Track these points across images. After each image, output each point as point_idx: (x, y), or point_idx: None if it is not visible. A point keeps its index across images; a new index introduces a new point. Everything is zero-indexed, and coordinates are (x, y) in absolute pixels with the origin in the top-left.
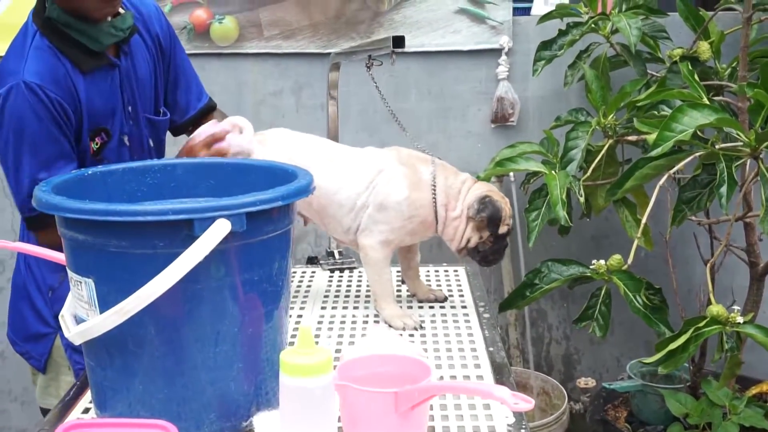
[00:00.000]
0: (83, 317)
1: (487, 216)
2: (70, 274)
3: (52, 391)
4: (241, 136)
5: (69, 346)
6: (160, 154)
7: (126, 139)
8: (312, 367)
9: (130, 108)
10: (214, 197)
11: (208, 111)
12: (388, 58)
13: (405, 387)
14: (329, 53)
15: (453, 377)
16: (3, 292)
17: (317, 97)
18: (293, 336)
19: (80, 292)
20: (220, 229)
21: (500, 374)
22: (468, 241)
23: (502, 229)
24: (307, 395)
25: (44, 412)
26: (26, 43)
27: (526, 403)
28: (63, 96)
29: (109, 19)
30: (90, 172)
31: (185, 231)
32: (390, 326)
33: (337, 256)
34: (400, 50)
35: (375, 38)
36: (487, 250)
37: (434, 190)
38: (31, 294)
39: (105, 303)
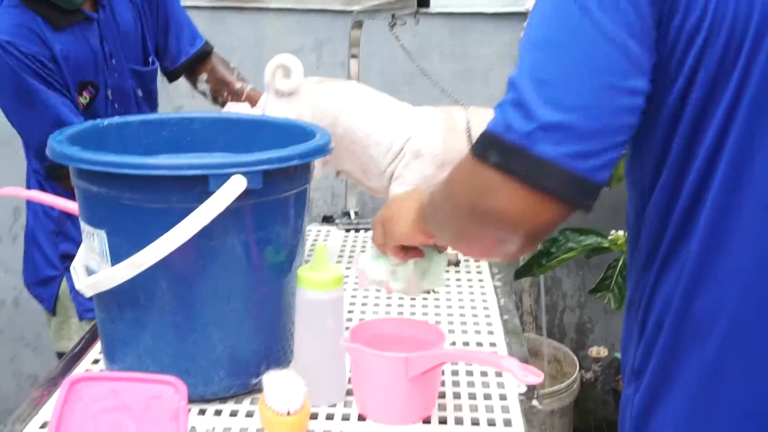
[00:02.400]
0: (94, 269)
1: None
2: (83, 225)
3: (64, 333)
4: None
5: (73, 289)
6: (152, 104)
7: (109, 92)
8: (325, 282)
9: (114, 60)
10: (231, 153)
11: (203, 56)
12: (412, 17)
13: (416, 353)
14: (352, 10)
15: (465, 343)
16: (17, 239)
17: (338, 54)
18: None
19: (92, 243)
20: (236, 185)
21: (513, 343)
22: None
23: None
24: (320, 307)
25: (59, 355)
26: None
27: (535, 376)
28: (37, 51)
29: None
30: (106, 123)
31: (200, 186)
32: None
33: (353, 216)
34: (424, 10)
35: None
36: None
37: (469, 134)
38: (38, 239)
39: (117, 256)
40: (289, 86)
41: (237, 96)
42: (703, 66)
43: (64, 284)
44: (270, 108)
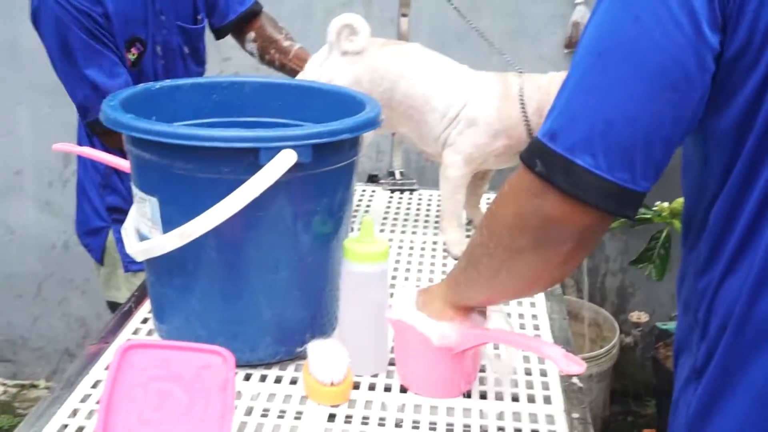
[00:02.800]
0: (146, 234)
1: None
2: (135, 190)
3: (112, 283)
4: None
5: (119, 240)
6: (198, 61)
7: (159, 48)
8: (371, 255)
9: (163, 17)
10: (281, 118)
11: (252, 15)
12: None
13: (461, 330)
14: None
15: (508, 314)
16: (68, 185)
17: (388, 9)
18: None
19: (144, 209)
20: (286, 159)
21: (555, 312)
22: None
23: None
24: (365, 279)
25: (109, 304)
26: None
27: (577, 366)
28: (89, 6)
29: None
30: (158, 86)
31: (251, 158)
32: (447, 251)
33: (398, 175)
34: None
35: None
36: None
37: (522, 102)
38: (87, 190)
39: (168, 223)
40: (354, 47)
41: (284, 54)
42: None
43: (110, 235)
44: (331, 66)
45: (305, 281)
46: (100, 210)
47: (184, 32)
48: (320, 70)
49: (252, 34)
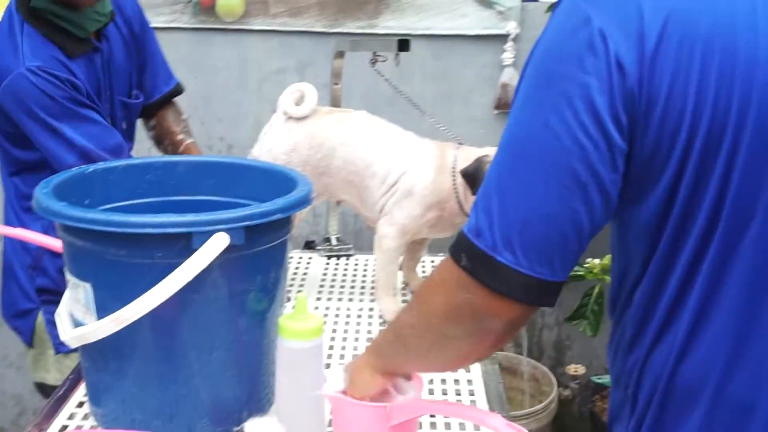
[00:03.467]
0: (80, 319)
1: (468, 171)
2: (68, 276)
3: (41, 365)
4: None
5: (50, 322)
6: (132, 136)
7: (107, 122)
8: (306, 332)
9: (109, 92)
10: (215, 196)
11: (174, 95)
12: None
13: (397, 401)
14: (334, 33)
15: (444, 392)
16: None
17: (321, 76)
18: None
19: (77, 295)
20: (219, 242)
21: (490, 377)
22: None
23: None
24: (301, 355)
25: (38, 386)
26: (15, 34)
27: None
28: (67, 77)
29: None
30: (91, 170)
31: (183, 242)
32: (383, 318)
33: (334, 241)
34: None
35: (379, 32)
36: None
37: (453, 174)
38: (15, 271)
39: (102, 308)
40: (299, 112)
41: (175, 147)
42: (690, 159)
43: (40, 317)
44: (273, 133)
45: (241, 359)
46: (29, 291)
47: (125, 107)
48: (263, 138)
49: (153, 121)
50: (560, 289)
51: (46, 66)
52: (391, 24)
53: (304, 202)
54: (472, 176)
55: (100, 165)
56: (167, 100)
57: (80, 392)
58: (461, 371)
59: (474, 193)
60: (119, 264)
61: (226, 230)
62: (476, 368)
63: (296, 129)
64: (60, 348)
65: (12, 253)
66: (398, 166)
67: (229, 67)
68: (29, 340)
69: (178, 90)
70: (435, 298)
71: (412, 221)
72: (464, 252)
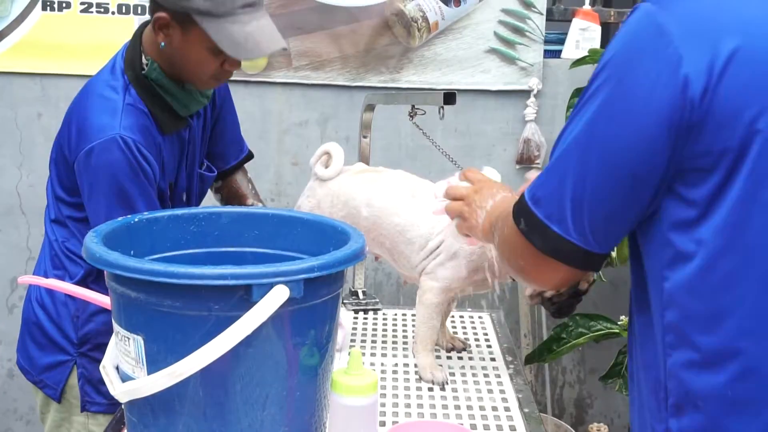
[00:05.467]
0: (128, 373)
1: None
2: (117, 327)
3: (65, 427)
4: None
5: (83, 376)
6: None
7: (184, 196)
8: (361, 388)
9: (190, 166)
10: (258, 248)
11: (246, 161)
12: (427, 107)
13: None
14: (356, 86)
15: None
16: (14, 311)
17: (343, 129)
18: None
19: (127, 347)
20: (279, 295)
21: None
22: (544, 290)
23: (582, 286)
24: (355, 412)
25: None
26: (118, 94)
27: None
28: (153, 157)
29: None
30: (137, 220)
31: (241, 294)
32: (418, 376)
33: (361, 296)
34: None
35: (401, 86)
36: (563, 303)
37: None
38: (42, 322)
39: (153, 361)
40: (325, 174)
41: None
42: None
43: (74, 371)
44: (306, 190)
45: (293, 416)
46: (62, 343)
47: (201, 179)
48: (301, 197)
49: (220, 183)
50: (604, 259)
51: (141, 143)
52: (413, 78)
53: (360, 254)
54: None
55: (146, 215)
56: (239, 167)
57: None
58: (508, 430)
59: (560, 295)
60: (173, 316)
61: (286, 282)
62: (521, 426)
63: (320, 186)
64: (89, 407)
65: (37, 307)
66: (435, 231)
67: (251, 118)
68: (57, 396)
69: (249, 156)
70: (503, 249)
71: (457, 282)
72: (523, 217)
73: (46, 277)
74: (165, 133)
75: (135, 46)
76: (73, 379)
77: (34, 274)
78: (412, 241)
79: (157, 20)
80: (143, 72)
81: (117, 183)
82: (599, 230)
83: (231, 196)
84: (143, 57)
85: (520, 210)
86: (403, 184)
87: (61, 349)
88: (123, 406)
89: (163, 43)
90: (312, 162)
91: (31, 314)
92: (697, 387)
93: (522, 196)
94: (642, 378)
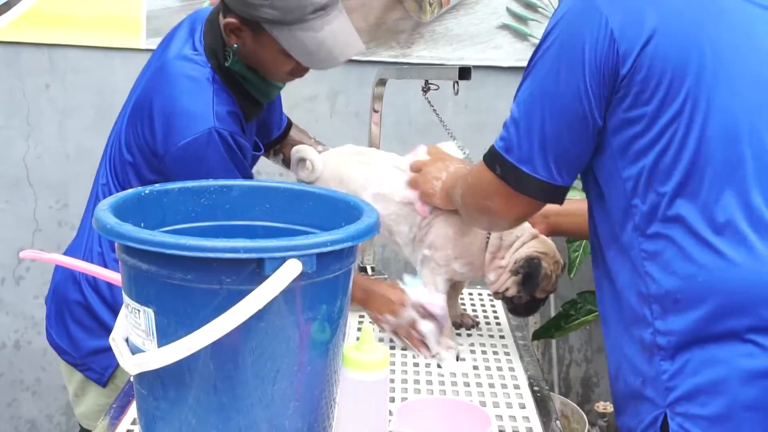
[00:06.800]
0: (138, 345)
1: (522, 276)
2: (127, 299)
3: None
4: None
5: None
6: None
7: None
8: (371, 363)
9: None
10: (269, 221)
11: (288, 131)
12: (441, 82)
13: None
14: (368, 61)
15: (498, 416)
16: (21, 282)
17: (352, 104)
18: None
19: (137, 319)
20: (291, 269)
21: (546, 415)
22: (506, 290)
23: (540, 294)
24: (365, 388)
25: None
26: (206, 84)
27: None
28: (245, 143)
29: None
30: (147, 192)
31: (253, 268)
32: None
33: (369, 272)
34: (464, 81)
35: (413, 61)
36: (521, 304)
37: (488, 238)
38: (92, 307)
39: (164, 334)
40: (309, 178)
41: None
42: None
43: None
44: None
45: (303, 391)
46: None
47: (254, 159)
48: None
49: (277, 147)
50: (566, 192)
51: (235, 132)
52: (424, 53)
53: (373, 229)
54: (530, 282)
55: (156, 187)
56: (286, 133)
57: (128, 419)
58: (517, 408)
59: (529, 292)
60: (184, 289)
61: (298, 257)
62: (531, 406)
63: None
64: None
65: (92, 286)
66: (417, 223)
67: None
68: (104, 380)
69: (290, 124)
70: (469, 197)
71: (444, 270)
72: (498, 164)
73: (104, 260)
74: (248, 120)
75: (214, 34)
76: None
77: (73, 247)
78: (403, 234)
79: (227, 25)
80: (226, 64)
81: (221, 173)
82: (562, 166)
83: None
84: (225, 47)
85: (494, 158)
86: (391, 164)
87: (107, 330)
88: (132, 378)
89: (236, 45)
90: (292, 166)
91: (76, 295)
92: (674, 283)
93: (492, 147)
94: (620, 299)
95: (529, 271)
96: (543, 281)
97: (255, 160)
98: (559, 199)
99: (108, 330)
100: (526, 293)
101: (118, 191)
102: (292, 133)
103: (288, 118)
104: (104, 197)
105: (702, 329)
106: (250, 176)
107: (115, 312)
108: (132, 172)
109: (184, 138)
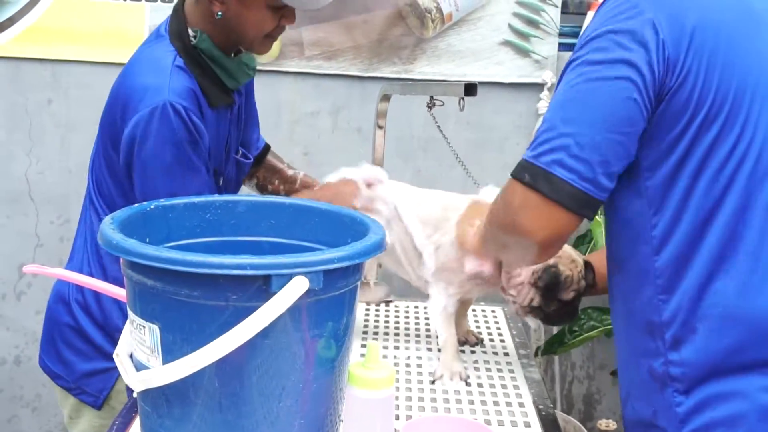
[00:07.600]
0: (143, 362)
1: (543, 286)
2: (132, 316)
3: None
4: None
5: None
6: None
7: (221, 181)
8: (377, 381)
9: (228, 149)
10: (274, 237)
11: (265, 155)
12: (446, 98)
13: None
14: (370, 77)
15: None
16: (22, 297)
17: (354, 120)
18: None
19: (142, 336)
20: (298, 286)
21: None
22: (531, 300)
23: (567, 295)
24: (371, 406)
25: None
26: (167, 60)
27: None
28: (200, 125)
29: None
30: (152, 207)
31: (260, 285)
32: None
33: (372, 287)
34: (469, 97)
35: (415, 77)
36: (553, 312)
37: None
38: (84, 329)
39: (169, 351)
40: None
41: (291, 183)
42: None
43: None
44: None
45: (309, 408)
46: (108, 350)
47: (239, 165)
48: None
49: (253, 170)
50: (599, 206)
51: (190, 109)
52: (426, 69)
53: (380, 246)
54: (550, 288)
55: (161, 202)
56: (265, 154)
57: None
58: (522, 426)
59: (555, 297)
60: (190, 305)
61: (305, 274)
62: (536, 425)
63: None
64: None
65: (78, 311)
66: (426, 240)
67: (262, 108)
68: (99, 403)
69: (267, 147)
70: (498, 216)
71: (456, 288)
72: (527, 172)
73: (105, 275)
74: (211, 106)
75: (179, 19)
76: (121, 385)
77: (69, 268)
78: (408, 252)
79: None
80: (192, 43)
81: (161, 153)
82: (598, 175)
83: (269, 173)
84: (189, 29)
85: (521, 168)
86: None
87: (107, 356)
88: (136, 395)
89: (219, 13)
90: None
91: (67, 318)
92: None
93: (521, 161)
94: (632, 324)
95: (549, 280)
96: (566, 283)
97: (242, 168)
98: (591, 213)
99: (101, 352)
100: (554, 300)
101: (101, 202)
102: (269, 157)
103: (266, 143)
104: (92, 213)
105: (721, 361)
106: (205, 161)
107: (107, 333)
108: (109, 175)
109: (137, 112)
